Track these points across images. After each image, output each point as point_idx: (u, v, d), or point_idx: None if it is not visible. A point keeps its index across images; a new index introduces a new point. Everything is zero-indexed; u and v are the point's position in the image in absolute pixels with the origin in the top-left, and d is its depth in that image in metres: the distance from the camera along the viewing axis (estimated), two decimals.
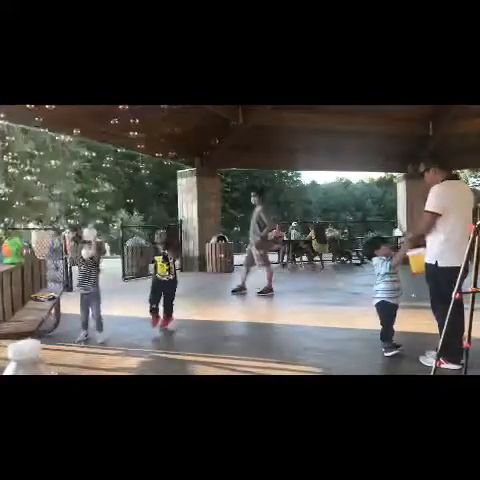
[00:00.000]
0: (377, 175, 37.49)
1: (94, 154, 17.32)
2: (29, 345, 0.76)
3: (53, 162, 13.78)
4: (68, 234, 7.50)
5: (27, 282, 5.09)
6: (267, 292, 6.92)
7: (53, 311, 4.52)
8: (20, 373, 0.72)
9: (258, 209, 7.10)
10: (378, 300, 3.61)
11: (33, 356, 0.75)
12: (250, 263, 7.15)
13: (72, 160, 16.50)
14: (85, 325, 4.22)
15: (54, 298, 4.60)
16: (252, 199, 7.31)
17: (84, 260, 4.27)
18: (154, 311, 4.59)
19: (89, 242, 4.38)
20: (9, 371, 0.72)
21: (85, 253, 4.28)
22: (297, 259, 11.99)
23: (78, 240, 4.64)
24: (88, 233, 4.62)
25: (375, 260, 3.65)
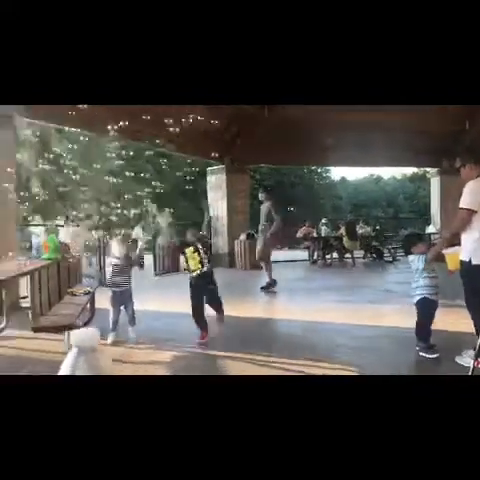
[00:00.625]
0: (410, 170, 36.73)
1: (127, 153, 17.57)
2: (90, 333, 0.80)
3: (89, 161, 14.06)
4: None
5: (63, 277, 5.25)
6: (271, 286, 7.06)
7: (88, 305, 4.64)
8: (81, 359, 0.76)
9: (267, 204, 7.20)
10: (419, 297, 3.55)
11: (93, 344, 0.79)
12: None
13: (105, 159, 16.78)
14: (115, 324, 4.15)
15: (89, 293, 4.71)
16: (260, 195, 7.45)
17: (118, 258, 4.24)
18: (202, 322, 4.07)
19: (131, 241, 4.31)
20: (70, 357, 0.76)
21: (119, 251, 4.23)
22: (327, 256, 11.87)
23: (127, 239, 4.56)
24: (138, 231, 4.64)
25: (411, 257, 3.60)
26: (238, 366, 3.42)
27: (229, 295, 6.69)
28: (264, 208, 7.27)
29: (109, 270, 4.48)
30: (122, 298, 4.22)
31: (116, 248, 4.28)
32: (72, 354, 0.76)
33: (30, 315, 4.45)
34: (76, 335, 0.76)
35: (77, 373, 0.76)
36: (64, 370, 0.77)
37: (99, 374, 0.81)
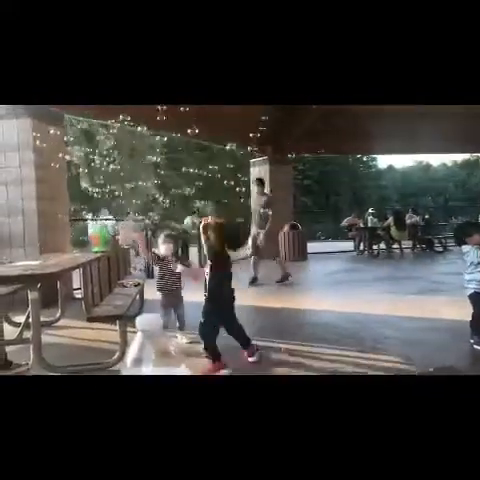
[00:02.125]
0: (460, 157, 35.17)
1: (169, 146, 17.88)
2: (154, 318, 0.83)
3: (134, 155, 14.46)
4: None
5: (114, 269, 5.42)
6: (285, 280, 6.93)
7: (138, 297, 4.77)
8: (147, 343, 0.79)
9: (263, 199, 6.85)
10: (471, 291, 3.40)
11: (158, 328, 0.83)
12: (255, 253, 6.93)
13: (149, 152, 17.18)
14: (165, 328, 3.67)
15: (139, 285, 4.85)
16: (256, 188, 7.06)
17: (164, 259, 3.87)
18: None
19: (173, 237, 3.94)
20: (136, 341, 0.80)
21: (167, 249, 3.86)
22: (374, 246, 11.60)
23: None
24: (189, 222, 4.36)
25: (466, 248, 3.44)
26: (283, 357, 3.43)
27: (274, 286, 6.71)
28: (257, 206, 6.85)
29: (156, 270, 4.11)
30: (171, 301, 3.92)
31: (161, 247, 3.93)
32: (137, 339, 0.79)
33: (83, 306, 4.64)
34: (141, 320, 0.79)
35: (144, 357, 0.78)
36: (131, 354, 0.80)
37: (164, 358, 0.83)
